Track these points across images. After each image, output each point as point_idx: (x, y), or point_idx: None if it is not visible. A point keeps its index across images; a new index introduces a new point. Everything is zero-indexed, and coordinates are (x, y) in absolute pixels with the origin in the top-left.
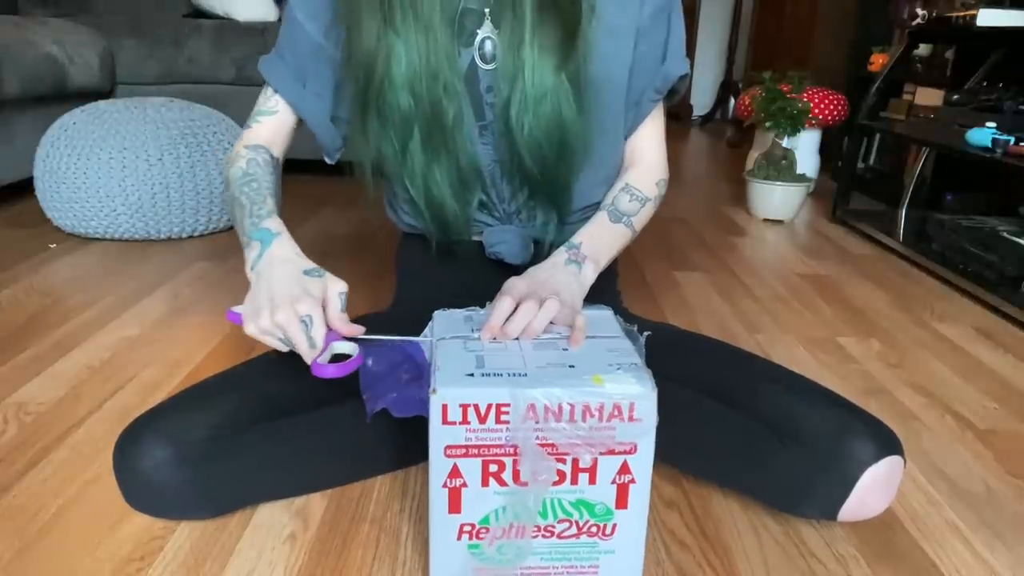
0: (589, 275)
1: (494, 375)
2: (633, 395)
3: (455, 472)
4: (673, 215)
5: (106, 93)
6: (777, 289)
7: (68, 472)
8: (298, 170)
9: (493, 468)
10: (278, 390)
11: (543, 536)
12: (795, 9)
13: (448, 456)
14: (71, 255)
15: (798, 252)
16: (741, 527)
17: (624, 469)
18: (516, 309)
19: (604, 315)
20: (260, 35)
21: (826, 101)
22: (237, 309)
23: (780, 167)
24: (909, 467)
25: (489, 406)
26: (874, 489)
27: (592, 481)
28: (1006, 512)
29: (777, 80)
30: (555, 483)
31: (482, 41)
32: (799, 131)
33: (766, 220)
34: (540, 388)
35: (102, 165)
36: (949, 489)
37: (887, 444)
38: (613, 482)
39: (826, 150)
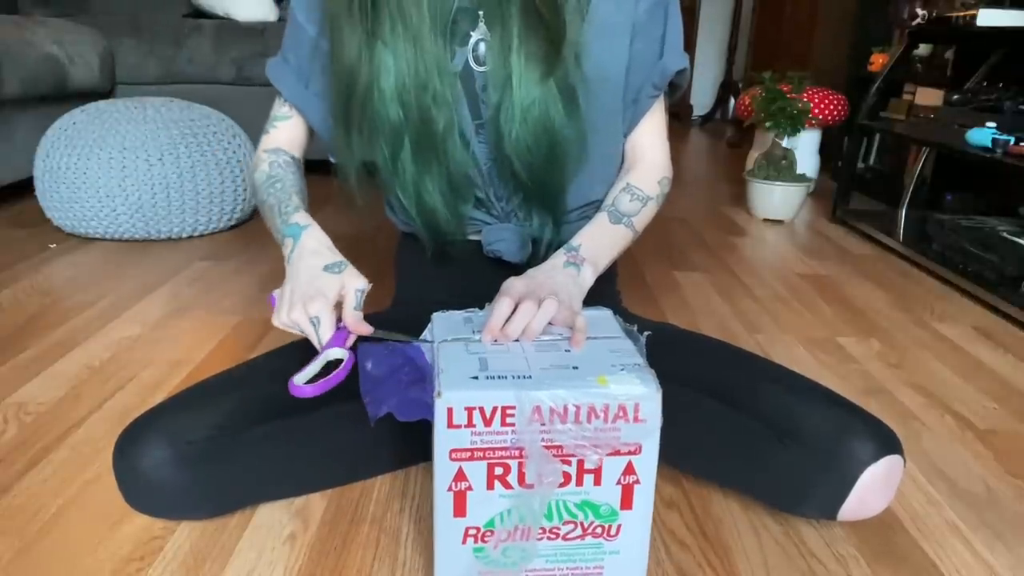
0: (588, 278)
1: (498, 377)
2: (638, 396)
3: (460, 475)
4: (673, 215)
5: (106, 93)
6: (777, 289)
7: (68, 472)
8: None
9: (498, 471)
10: (278, 390)
11: (548, 538)
12: (795, 9)
13: (453, 460)
14: (71, 255)
15: (798, 252)
16: (741, 527)
17: (629, 470)
18: (515, 310)
19: (604, 315)
20: (260, 35)
21: (826, 101)
22: (276, 293)
23: (780, 167)
24: (909, 467)
25: (494, 409)
26: (874, 488)
27: (597, 482)
28: (1006, 512)
29: (777, 80)
30: (560, 485)
31: (476, 43)
32: (799, 131)
33: (766, 220)
34: (545, 390)
35: (102, 165)
36: (949, 489)
37: (887, 443)
38: (618, 483)
39: (826, 150)
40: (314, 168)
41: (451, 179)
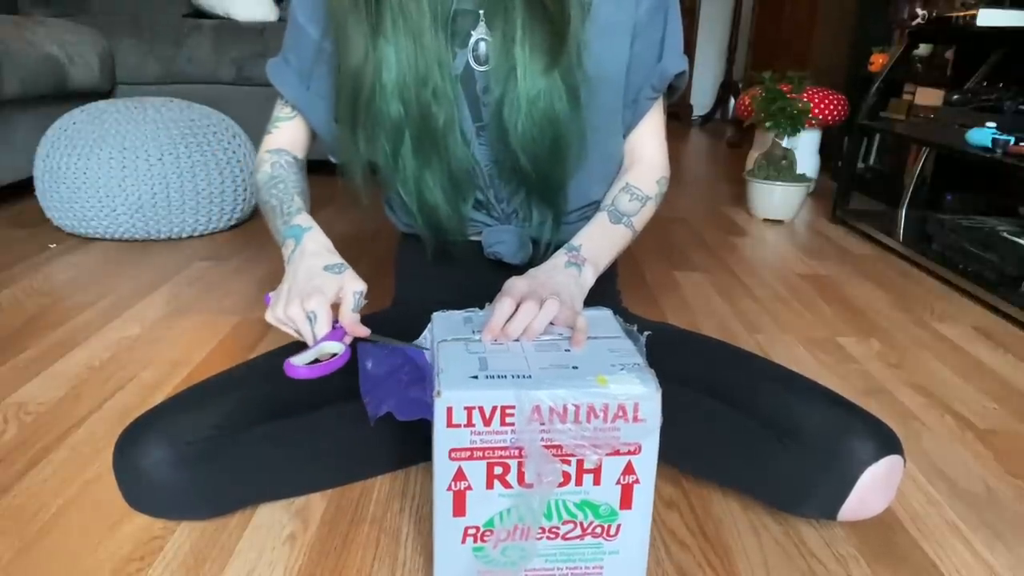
0: (589, 278)
1: (498, 377)
2: (637, 395)
3: (460, 475)
4: (673, 215)
5: (106, 93)
6: (777, 289)
7: (68, 472)
8: None
9: (498, 470)
10: (278, 390)
11: (548, 538)
12: (795, 9)
13: (453, 459)
14: (71, 255)
15: (798, 252)
16: (741, 527)
17: (628, 470)
18: (516, 310)
19: (604, 315)
20: (260, 35)
21: (826, 101)
22: (272, 293)
23: (780, 167)
24: (909, 467)
25: (494, 408)
26: (874, 488)
27: (597, 482)
28: (1006, 512)
29: (777, 80)
30: (560, 484)
31: (476, 43)
32: (799, 131)
33: (766, 220)
34: (545, 389)
35: (102, 165)
36: (949, 489)
37: (887, 443)
38: (618, 483)
39: (826, 150)
40: (316, 168)
41: (452, 175)
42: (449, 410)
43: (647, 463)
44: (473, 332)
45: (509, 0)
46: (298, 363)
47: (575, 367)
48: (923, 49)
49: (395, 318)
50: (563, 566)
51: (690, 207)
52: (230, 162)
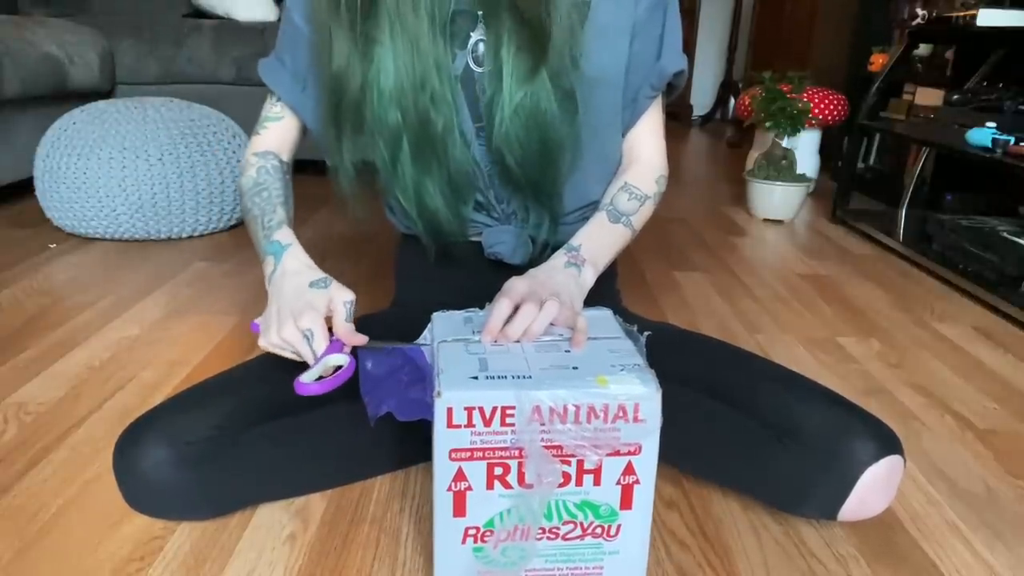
0: (588, 278)
1: (498, 378)
2: (637, 396)
3: (460, 475)
4: (673, 215)
5: (106, 93)
6: (777, 289)
7: (68, 472)
8: (297, 170)
9: (498, 471)
10: (278, 391)
11: (548, 538)
12: (795, 9)
13: (453, 460)
14: (71, 255)
15: (798, 252)
16: (741, 527)
17: (628, 470)
18: (516, 311)
19: (604, 316)
20: (260, 35)
21: (826, 101)
22: (259, 321)
23: (780, 167)
24: (909, 467)
25: (494, 409)
26: (874, 489)
27: (597, 482)
28: (1006, 512)
29: (777, 80)
30: (560, 485)
31: (476, 44)
32: (799, 131)
33: (766, 220)
34: (545, 390)
35: (102, 165)
36: (949, 489)
37: (887, 444)
38: (618, 483)
39: (826, 150)
40: (314, 168)
41: (452, 180)
42: (449, 410)
43: (647, 463)
44: (473, 332)
45: (499, 2)
46: (307, 380)
47: (575, 368)
48: (923, 49)
49: (395, 319)
50: (563, 566)
51: (690, 207)
52: (230, 162)
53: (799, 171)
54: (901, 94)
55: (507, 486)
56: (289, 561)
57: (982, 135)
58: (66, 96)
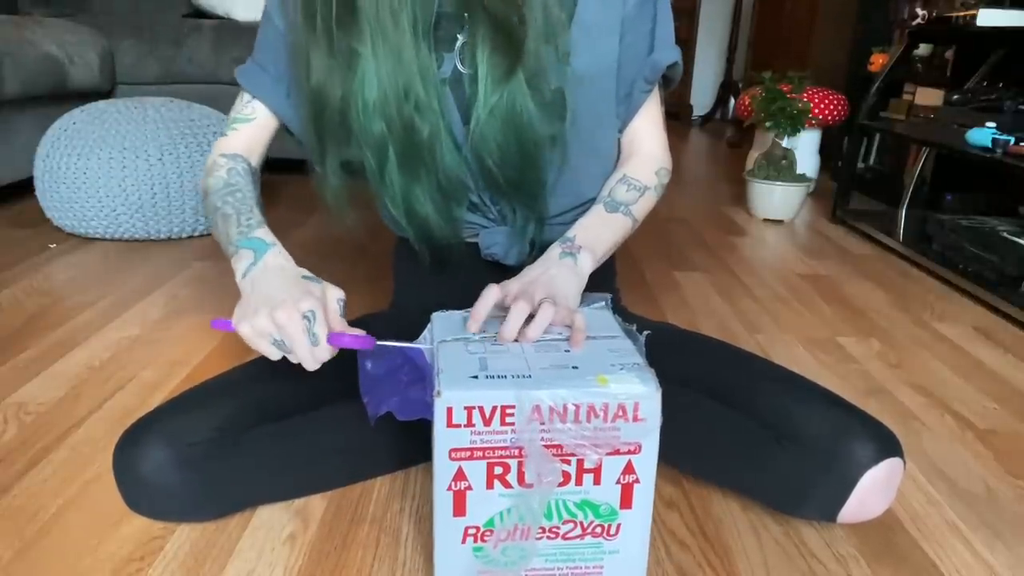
0: (586, 266)
1: (498, 377)
2: (637, 395)
3: (460, 475)
4: (673, 215)
5: (106, 93)
6: (777, 289)
7: (68, 472)
8: (296, 170)
9: (498, 470)
10: (278, 392)
11: (548, 537)
12: (795, 9)
13: (453, 459)
14: (71, 255)
15: (798, 252)
16: (741, 527)
17: (628, 469)
18: (510, 310)
19: (603, 315)
20: None
21: (826, 101)
22: (230, 319)
23: (780, 167)
24: (909, 467)
25: (494, 408)
26: (874, 491)
27: (597, 482)
28: (1006, 512)
29: (777, 80)
30: (560, 484)
31: (462, 46)
32: (799, 131)
33: (766, 220)
34: (545, 389)
35: (102, 165)
36: (949, 489)
37: (887, 446)
38: (618, 482)
39: (826, 150)
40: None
41: (442, 186)
42: (449, 410)
43: (647, 462)
44: (473, 332)
45: (474, 4)
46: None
47: (575, 367)
48: (923, 49)
49: (394, 319)
50: (563, 566)
51: (690, 207)
52: None
53: (799, 171)
54: (901, 94)
55: (507, 485)
56: (289, 561)
57: (982, 135)
58: (66, 96)
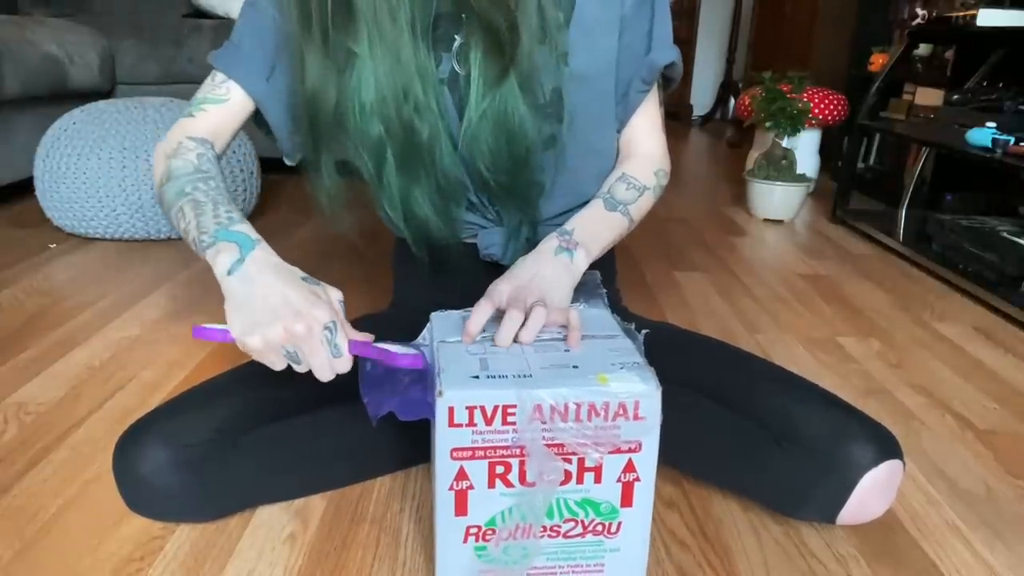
0: (581, 264)
1: (499, 377)
2: (638, 393)
3: (462, 474)
4: (673, 215)
5: (106, 93)
6: (777, 289)
7: (68, 472)
8: (295, 170)
9: (500, 470)
10: (278, 392)
11: (549, 536)
12: (795, 9)
13: (455, 459)
14: (71, 255)
15: (798, 252)
16: (741, 527)
17: (629, 467)
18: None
19: (601, 314)
20: None
21: (826, 101)
22: (213, 325)
23: (780, 167)
24: (909, 467)
25: (496, 408)
26: (873, 492)
27: (598, 480)
28: (1006, 512)
29: (777, 80)
30: (561, 483)
31: (460, 46)
32: (799, 131)
33: (766, 220)
34: (546, 388)
35: (102, 165)
36: (949, 489)
37: (886, 448)
38: (618, 481)
39: (826, 150)
40: None
41: (440, 187)
42: (451, 410)
43: (648, 461)
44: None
45: (469, 5)
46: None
47: (575, 366)
48: (923, 49)
49: (394, 319)
50: (564, 564)
51: (690, 207)
52: (230, 162)
53: (799, 171)
54: (901, 94)
55: (509, 485)
56: (289, 561)
57: (982, 135)
58: (66, 96)
